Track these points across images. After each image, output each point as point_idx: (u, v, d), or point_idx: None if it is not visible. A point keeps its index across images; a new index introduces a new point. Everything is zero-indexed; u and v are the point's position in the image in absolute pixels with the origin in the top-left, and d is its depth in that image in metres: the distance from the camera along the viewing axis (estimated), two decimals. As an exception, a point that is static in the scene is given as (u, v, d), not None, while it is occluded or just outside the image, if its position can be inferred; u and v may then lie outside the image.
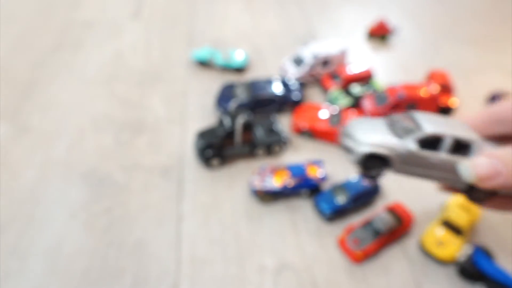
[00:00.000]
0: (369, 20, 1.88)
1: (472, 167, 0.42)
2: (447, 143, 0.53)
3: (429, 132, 0.53)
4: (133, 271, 0.91)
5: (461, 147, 0.54)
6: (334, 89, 1.77)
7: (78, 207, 1.04)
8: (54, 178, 1.11)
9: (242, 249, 0.96)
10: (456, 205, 1.01)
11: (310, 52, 1.52)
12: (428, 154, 0.53)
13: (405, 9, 2.05)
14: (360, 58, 1.66)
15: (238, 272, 0.92)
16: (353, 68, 1.77)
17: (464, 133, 0.53)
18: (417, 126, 0.57)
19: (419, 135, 0.54)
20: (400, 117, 0.61)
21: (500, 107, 0.49)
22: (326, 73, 1.78)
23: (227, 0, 2.03)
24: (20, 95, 1.43)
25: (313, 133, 1.41)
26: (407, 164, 0.54)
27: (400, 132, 0.57)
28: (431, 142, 0.54)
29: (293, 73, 1.56)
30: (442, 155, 0.53)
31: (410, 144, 0.53)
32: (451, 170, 0.51)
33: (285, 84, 1.62)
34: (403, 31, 1.86)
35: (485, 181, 0.41)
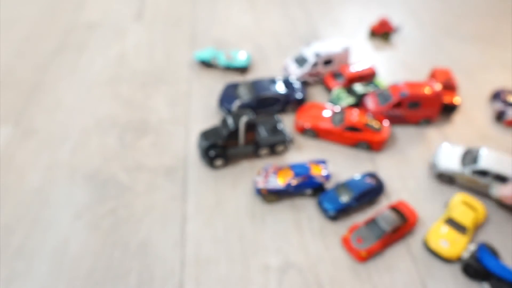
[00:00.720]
0: (371, 19, 1.87)
1: (498, 190, 0.92)
2: (491, 175, 1.36)
3: (479, 167, 1.36)
4: (138, 271, 0.92)
5: (501, 178, 1.49)
6: (337, 88, 1.77)
7: (83, 208, 1.05)
8: (59, 180, 1.12)
9: (246, 248, 0.96)
10: (461, 204, 1.01)
11: (313, 51, 1.52)
12: (477, 178, 1.35)
13: (407, 7, 2.04)
14: (363, 56, 1.65)
15: (243, 272, 0.92)
16: (356, 66, 1.77)
17: (506, 171, 1.23)
18: (477, 160, 1.37)
19: (474, 167, 1.36)
20: (473, 150, 1.47)
21: None
22: (329, 72, 1.78)
23: (230, 2, 2.03)
24: (25, 98, 1.44)
25: (316, 132, 1.41)
26: (466, 181, 1.31)
27: (467, 162, 1.38)
28: (483, 172, 1.35)
29: (296, 73, 1.56)
30: (486, 180, 1.27)
31: (466, 171, 1.38)
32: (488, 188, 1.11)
33: (288, 84, 1.62)
34: (406, 29, 1.86)
35: (504, 199, 0.77)
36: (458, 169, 1.02)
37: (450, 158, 1.03)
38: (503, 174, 0.99)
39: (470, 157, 1.05)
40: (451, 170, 1.02)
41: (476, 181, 1.03)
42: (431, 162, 1.10)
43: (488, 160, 1.04)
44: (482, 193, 1.02)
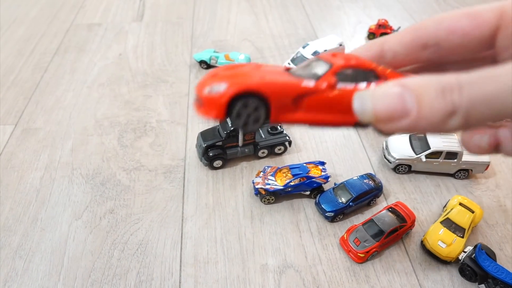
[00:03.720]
0: (370, 21, 1.88)
1: (370, 98, 0.27)
2: (443, 154, 1.09)
3: (433, 150, 1.11)
4: (137, 271, 0.92)
5: (452, 154, 1.15)
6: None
7: (82, 208, 1.05)
8: (58, 180, 1.13)
9: (245, 248, 0.97)
10: (458, 205, 1.01)
11: (311, 51, 1.53)
12: (432, 160, 1.06)
13: (405, 9, 2.06)
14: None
15: (241, 272, 0.92)
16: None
17: (454, 148, 1.09)
18: (428, 145, 1.17)
19: (429, 151, 1.12)
20: (418, 137, 1.18)
21: (425, 25, 0.38)
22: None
23: (229, 3, 2.04)
24: (25, 98, 1.44)
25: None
26: (422, 165, 1.12)
27: (419, 148, 1.18)
28: (436, 153, 1.15)
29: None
30: (439, 159, 0.97)
31: (422, 156, 1.12)
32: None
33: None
34: (405, 32, 1.87)
35: (385, 122, 0.27)
36: (414, 156, 1.04)
37: (402, 149, 1.05)
38: (453, 150, 1.01)
39: (419, 143, 1.07)
40: (408, 159, 1.03)
41: (432, 163, 1.07)
42: (382, 157, 1.10)
43: (436, 142, 1.08)
44: (438, 173, 1.04)
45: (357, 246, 0.96)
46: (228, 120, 1.23)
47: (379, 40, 0.39)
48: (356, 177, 1.12)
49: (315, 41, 1.62)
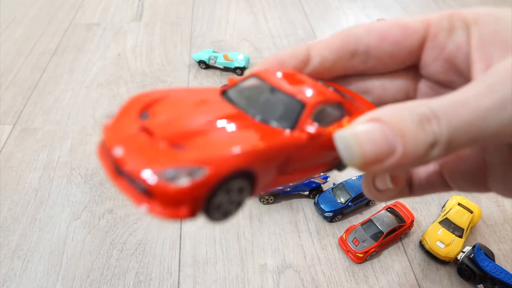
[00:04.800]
0: (368, 21, 1.88)
1: (355, 141, 0.25)
2: None
3: None
4: (135, 271, 0.92)
5: None
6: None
7: (80, 208, 1.05)
8: (57, 180, 1.12)
9: (244, 249, 0.97)
10: (457, 205, 1.01)
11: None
12: None
13: (406, 10, 2.06)
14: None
15: (240, 272, 0.92)
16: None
17: None
18: None
19: None
20: None
21: (356, 31, 0.35)
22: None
23: (228, 3, 2.04)
24: (24, 98, 1.44)
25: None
26: None
27: None
28: None
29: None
30: None
31: None
32: None
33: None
34: (403, 32, 1.87)
35: (373, 164, 0.24)
36: None
37: None
38: None
39: None
40: None
41: None
42: None
43: None
44: None
45: (356, 246, 0.96)
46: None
47: (305, 45, 0.37)
48: (355, 177, 1.12)
49: (314, 40, 1.62)
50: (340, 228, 1.05)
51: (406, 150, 0.25)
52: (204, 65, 1.68)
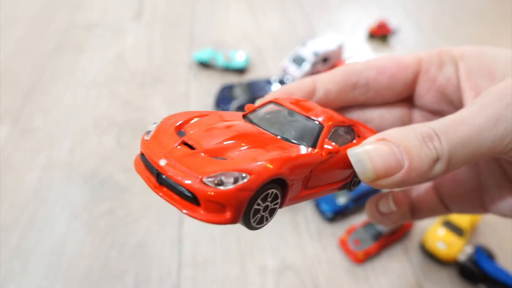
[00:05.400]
0: (369, 21, 1.88)
1: (367, 157, 0.28)
2: None
3: None
4: (135, 272, 0.92)
5: None
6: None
7: (80, 209, 1.05)
8: (56, 180, 1.12)
9: (244, 249, 0.96)
10: (457, 205, 1.01)
11: (311, 50, 1.52)
12: None
13: (405, 9, 2.06)
14: (356, 52, 1.66)
15: (240, 273, 0.92)
16: (350, 61, 1.77)
17: None
18: None
19: None
20: None
21: (356, 66, 0.39)
22: (326, 69, 1.78)
23: (228, 3, 2.04)
24: (22, 97, 1.44)
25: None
26: None
27: None
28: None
29: (297, 73, 1.56)
30: None
31: None
32: None
33: (283, 84, 1.62)
34: (404, 32, 1.87)
35: (383, 178, 0.27)
36: None
37: None
38: None
39: None
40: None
41: None
42: None
43: None
44: None
45: (357, 247, 0.95)
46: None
47: (310, 78, 0.40)
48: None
49: (315, 40, 1.62)
50: (340, 228, 1.05)
51: (413, 165, 0.27)
52: (204, 64, 1.67)
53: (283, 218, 1.07)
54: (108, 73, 1.62)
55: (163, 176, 0.28)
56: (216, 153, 0.27)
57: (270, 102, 0.36)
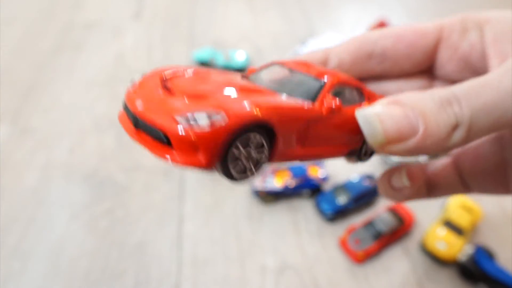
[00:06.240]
0: (370, 20, 1.88)
1: (377, 119, 0.25)
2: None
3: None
4: (135, 272, 0.91)
5: None
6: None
7: (79, 208, 1.04)
8: (55, 180, 1.12)
9: (244, 249, 0.96)
10: (458, 205, 1.01)
11: (311, 49, 1.52)
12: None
13: (405, 8, 2.06)
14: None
15: (240, 273, 0.92)
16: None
17: None
18: None
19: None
20: None
21: (371, 34, 0.36)
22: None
23: (228, 2, 2.04)
24: (22, 97, 1.43)
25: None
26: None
27: None
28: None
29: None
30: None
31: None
32: None
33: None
34: (404, 31, 1.85)
35: (395, 143, 0.25)
36: (414, 158, 1.06)
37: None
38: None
39: None
40: (407, 161, 1.04)
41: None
42: (382, 158, 1.11)
43: None
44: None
45: (357, 246, 0.95)
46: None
47: (323, 49, 0.38)
48: (355, 178, 1.12)
49: (315, 39, 1.62)
50: (340, 228, 1.05)
51: (428, 130, 0.25)
52: (204, 64, 1.67)
53: (283, 217, 1.07)
54: (107, 73, 1.62)
55: (139, 120, 0.25)
56: (198, 96, 0.24)
57: (272, 63, 0.34)
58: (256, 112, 0.23)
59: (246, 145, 0.24)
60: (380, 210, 1.06)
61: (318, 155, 0.30)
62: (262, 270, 0.95)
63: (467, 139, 0.26)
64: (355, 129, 0.28)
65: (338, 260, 0.98)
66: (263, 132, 0.25)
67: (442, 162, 0.37)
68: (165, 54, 1.73)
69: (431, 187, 0.38)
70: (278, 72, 0.33)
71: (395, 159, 1.20)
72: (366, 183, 1.10)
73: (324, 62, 0.37)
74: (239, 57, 1.59)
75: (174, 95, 0.25)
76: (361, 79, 0.38)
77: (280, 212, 1.09)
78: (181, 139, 0.22)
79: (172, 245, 1.01)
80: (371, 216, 1.04)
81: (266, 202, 1.11)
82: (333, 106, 0.29)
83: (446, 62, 0.35)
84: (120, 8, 2.05)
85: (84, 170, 1.19)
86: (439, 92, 0.26)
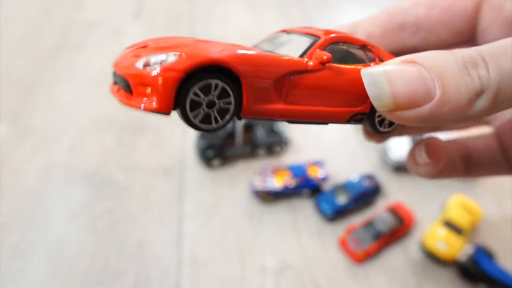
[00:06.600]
0: (369, 20, 1.87)
1: (386, 78, 0.21)
2: None
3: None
4: (135, 272, 0.91)
5: None
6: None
7: (79, 208, 1.04)
8: (55, 179, 1.12)
9: (243, 249, 0.96)
10: (457, 205, 1.01)
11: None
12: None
13: (405, 9, 2.05)
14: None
15: (239, 272, 0.92)
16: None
17: None
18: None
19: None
20: (421, 138, 1.12)
21: (401, 4, 0.32)
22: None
23: (228, 1, 2.04)
24: (21, 97, 1.44)
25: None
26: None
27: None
28: None
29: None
30: None
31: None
32: None
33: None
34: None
35: (405, 108, 0.21)
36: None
37: (402, 150, 1.02)
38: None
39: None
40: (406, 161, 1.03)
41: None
42: (382, 158, 1.11)
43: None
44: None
45: (357, 246, 0.95)
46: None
47: (350, 22, 0.35)
48: (355, 177, 1.12)
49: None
50: (340, 228, 1.05)
51: (446, 96, 0.20)
52: None
53: (282, 217, 1.07)
54: (107, 73, 1.61)
55: (116, 76, 0.27)
56: (164, 48, 0.24)
57: (281, 31, 0.33)
58: (212, 54, 0.22)
59: (207, 93, 0.23)
60: (380, 210, 1.06)
61: (309, 115, 0.27)
62: (262, 270, 0.95)
63: (492, 108, 0.22)
64: (357, 90, 0.26)
65: (338, 260, 0.98)
66: (227, 81, 0.23)
67: (483, 135, 0.33)
68: (165, 54, 1.72)
69: (470, 165, 0.33)
70: (276, 36, 0.31)
71: (398, 159, 1.20)
72: (366, 183, 1.10)
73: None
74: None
75: (146, 48, 0.26)
76: (394, 54, 0.34)
77: (280, 212, 1.09)
78: (136, 82, 0.23)
79: (172, 245, 1.01)
80: (371, 216, 1.04)
81: (266, 202, 1.11)
82: (324, 59, 0.26)
83: (489, 26, 0.30)
84: (120, 8, 2.05)
85: (84, 170, 1.19)
86: (463, 51, 0.22)
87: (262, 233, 1.03)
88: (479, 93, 0.21)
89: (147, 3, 2.10)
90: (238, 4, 2.08)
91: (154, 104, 0.22)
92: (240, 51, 0.23)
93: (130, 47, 0.32)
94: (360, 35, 0.33)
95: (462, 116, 0.21)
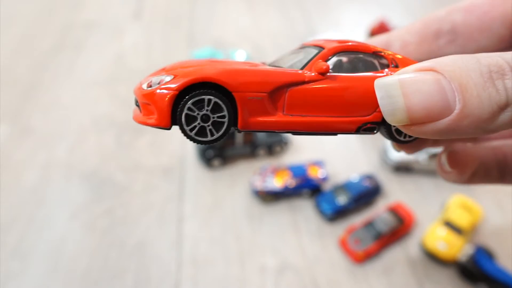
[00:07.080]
0: (370, 20, 1.89)
1: (400, 89, 0.19)
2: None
3: (434, 152, 1.13)
4: (134, 272, 0.91)
5: None
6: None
7: (79, 208, 1.04)
8: (55, 179, 1.12)
9: (243, 249, 0.96)
10: (457, 206, 1.01)
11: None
12: (431, 161, 1.15)
13: (406, 9, 2.06)
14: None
15: (239, 272, 0.92)
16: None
17: None
18: None
19: (430, 152, 1.14)
20: None
21: (436, 12, 0.31)
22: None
23: (228, 1, 2.04)
24: (21, 97, 1.44)
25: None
26: (421, 166, 1.18)
27: None
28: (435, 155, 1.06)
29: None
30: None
31: (421, 158, 1.13)
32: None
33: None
34: (404, 31, 1.85)
35: (421, 124, 0.19)
36: (414, 158, 1.04)
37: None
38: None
39: None
40: (407, 161, 1.02)
41: (430, 164, 1.07)
42: (382, 158, 1.11)
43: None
44: (436, 173, 1.04)
45: (357, 246, 0.95)
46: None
47: (384, 34, 0.34)
48: (355, 178, 1.11)
49: (315, 38, 1.62)
50: (340, 228, 1.05)
51: (467, 109, 0.18)
52: None
53: (282, 217, 1.07)
54: (107, 72, 1.62)
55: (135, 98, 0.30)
56: (172, 69, 0.27)
57: (302, 45, 0.33)
58: (203, 72, 0.24)
59: (201, 107, 0.25)
60: (380, 210, 1.06)
61: (313, 126, 0.27)
62: (262, 270, 0.95)
63: None
64: (365, 99, 0.25)
65: (338, 260, 0.98)
66: (220, 96, 0.25)
67: None
68: (165, 54, 1.73)
69: (506, 172, 0.31)
70: (291, 52, 0.32)
71: (397, 159, 1.20)
72: (366, 183, 1.10)
73: (386, 47, 0.32)
74: (239, 57, 1.59)
75: (162, 71, 0.29)
76: None
77: (280, 212, 1.09)
78: (141, 101, 0.27)
79: (171, 245, 1.01)
80: (371, 216, 1.04)
81: (266, 202, 1.11)
82: (321, 70, 0.26)
83: None
84: (120, 8, 2.05)
85: (84, 170, 1.19)
86: (490, 58, 0.19)
87: (262, 233, 1.03)
88: (503, 107, 0.19)
89: (147, 3, 2.10)
90: (238, 4, 2.08)
91: (154, 120, 0.25)
92: (230, 67, 0.25)
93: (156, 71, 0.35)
94: (396, 45, 0.32)
95: (483, 130, 0.20)
